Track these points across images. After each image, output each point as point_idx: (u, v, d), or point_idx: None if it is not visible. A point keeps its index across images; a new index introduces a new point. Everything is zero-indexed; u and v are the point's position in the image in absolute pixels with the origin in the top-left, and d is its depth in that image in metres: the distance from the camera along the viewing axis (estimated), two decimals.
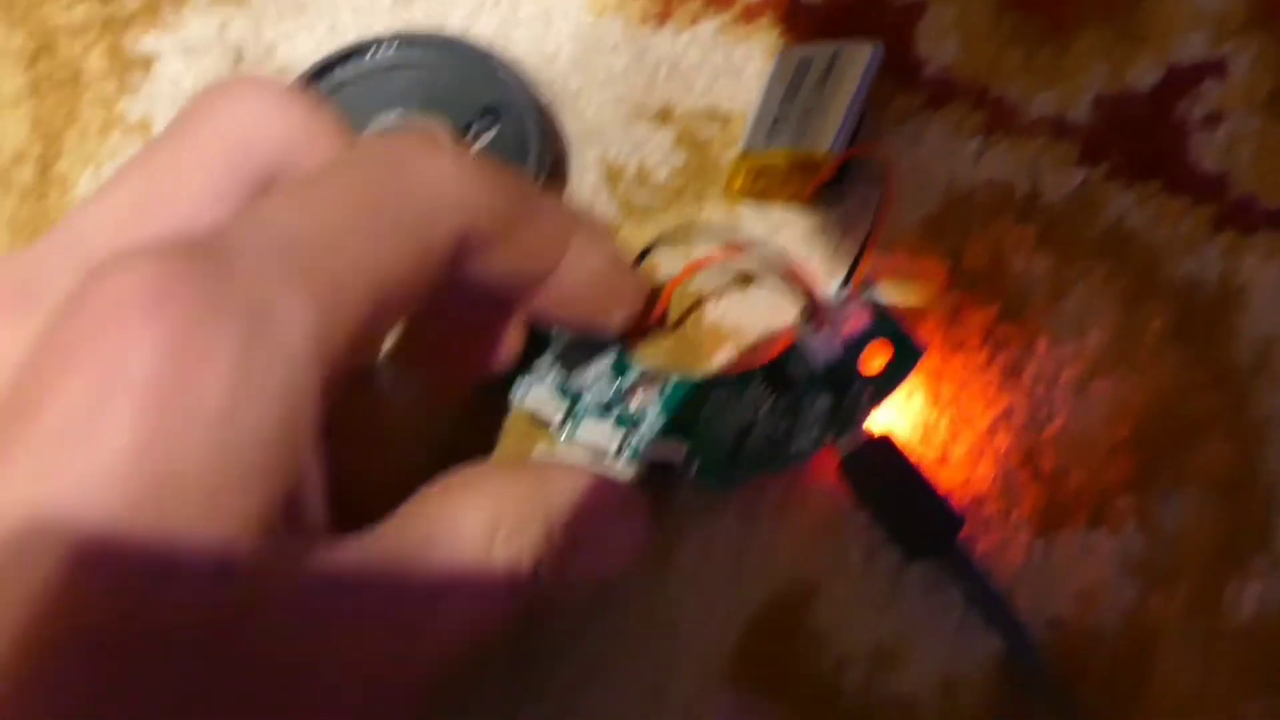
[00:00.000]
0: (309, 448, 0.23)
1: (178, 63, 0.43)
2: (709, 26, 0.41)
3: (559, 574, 0.28)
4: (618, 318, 0.33)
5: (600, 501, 0.29)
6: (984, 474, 0.34)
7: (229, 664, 0.23)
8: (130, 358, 0.21)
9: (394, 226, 0.25)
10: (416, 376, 0.33)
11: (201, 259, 0.23)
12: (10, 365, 0.23)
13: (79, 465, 0.21)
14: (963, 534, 0.33)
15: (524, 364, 0.35)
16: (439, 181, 0.26)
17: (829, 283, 0.35)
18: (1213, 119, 0.38)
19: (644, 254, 0.36)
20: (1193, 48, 0.39)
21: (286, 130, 0.27)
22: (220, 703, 0.23)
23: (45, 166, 0.42)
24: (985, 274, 0.36)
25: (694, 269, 0.36)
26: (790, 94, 0.38)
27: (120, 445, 0.21)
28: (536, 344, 0.35)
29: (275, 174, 0.27)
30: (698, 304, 0.37)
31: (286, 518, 0.23)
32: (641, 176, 0.39)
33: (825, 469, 0.35)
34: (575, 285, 0.31)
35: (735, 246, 0.34)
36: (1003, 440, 0.35)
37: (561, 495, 0.29)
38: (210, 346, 0.22)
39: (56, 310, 0.23)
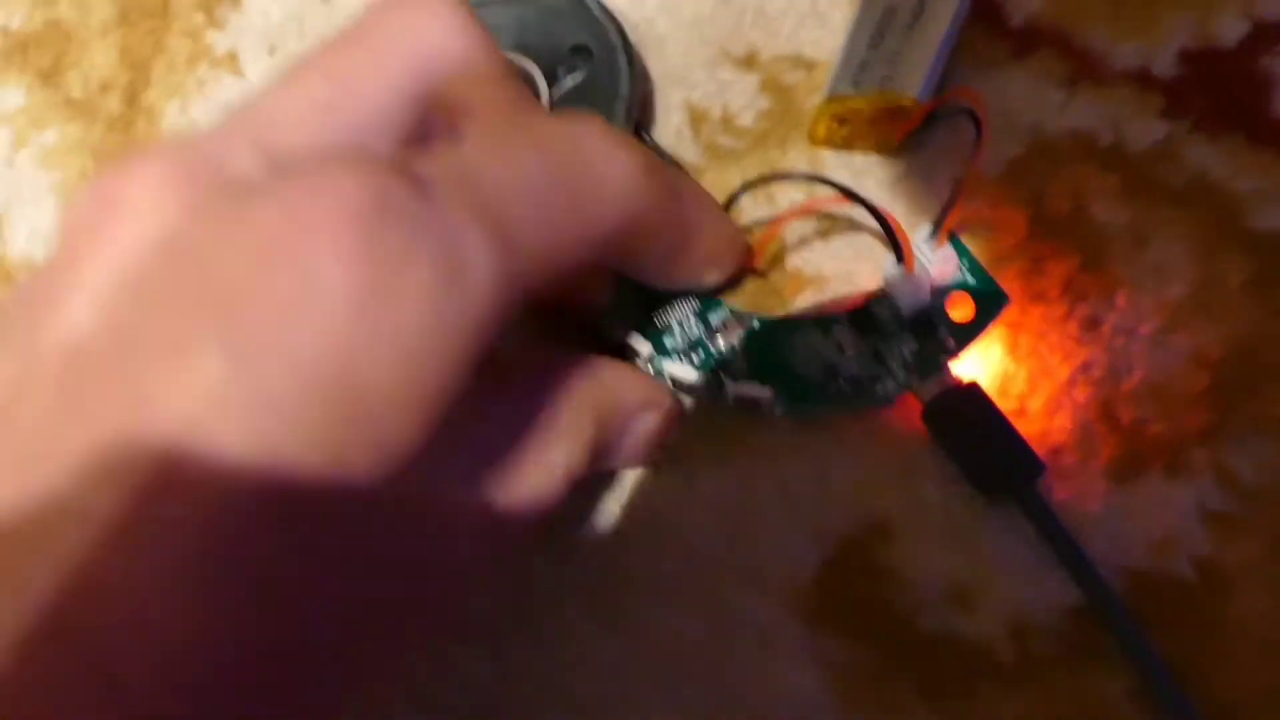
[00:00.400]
0: (464, 388, 0.24)
1: None
2: None
3: (599, 463, 0.30)
4: (713, 280, 0.34)
5: (639, 395, 0.31)
6: (1061, 425, 0.35)
7: (355, 584, 0.24)
8: (336, 270, 0.22)
9: (571, 205, 0.26)
10: None
11: (409, 181, 0.23)
12: (195, 244, 0.23)
13: (267, 371, 0.22)
14: (1041, 482, 0.34)
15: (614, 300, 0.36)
16: (617, 176, 0.27)
17: (915, 229, 0.36)
18: None
19: (733, 198, 0.36)
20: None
21: (461, 53, 0.28)
22: (345, 607, 0.24)
23: (133, 96, 0.43)
24: (1066, 222, 0.37)
25: (791, 217, 0.36)
26: (876, 39, 0.38)
27: (310, 357, 0.22)
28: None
29: (441, 93, 0.28)
30: (780, 249, 0.38)
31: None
32: (726, 120, 0.39)
33: (907, 412, 0.35)
34: (690, 261, 0.32)
35: (840, 197, 0.35)
36: (1081, 392, 0.35)
37: (610, 390, 0.31)
38: (411, 274, 0.23)
39: (257, 200, 0.23)
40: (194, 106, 0.42)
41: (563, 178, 0.26)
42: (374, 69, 0.27)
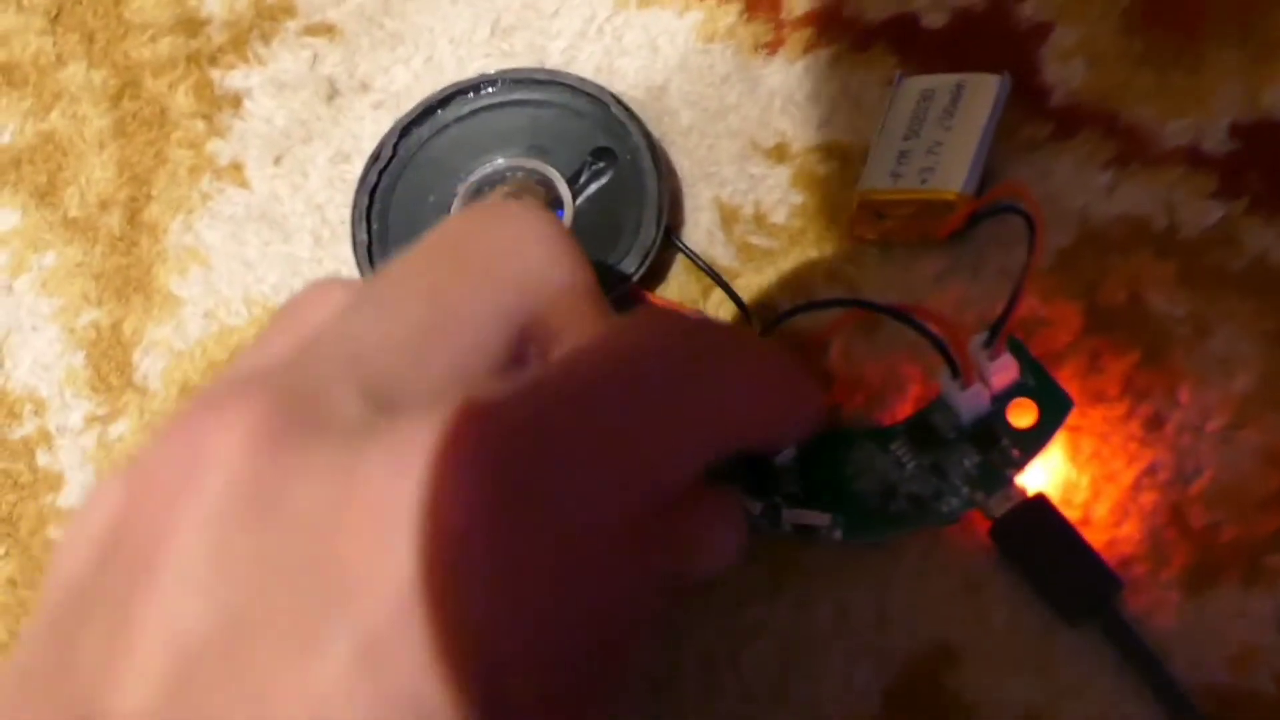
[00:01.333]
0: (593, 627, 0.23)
1: (268, 99, 0.42)
2: (823, 55, 0.40)
3: (671, 576, 0.28)
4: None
5: (706, 505, 0.29)
6: (1129, 533, 0.33)
7: None
8: (464, 547, 0.21)
9: (676, 442, 0.25)
10: None
11: (524, 429, 0.22)
12: (301, 510, 0.21)
13: (398, 665, 0.20)
14: (1118, 599, 0.32)
15: None
16: (722, 401, 0.26)
17: (968, 327, 0.34)
18: None
19: (775, 324, 0.35)
20: None
21: (563, 281, 0.26)
22: None
23: (134, 213, 0.41)
24: (1123, 314, 0.35)
25: (829, 333, 0.35)
26: (913, 129, 0.36)
27: (442, 647, 0.20)
28: None
29: (539, 316, 0.26)
30: (823, 353, 0.36)
31: None
32: (759, 218, 0.38)
33: (969, 526, 0.33)
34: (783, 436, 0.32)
35: (881, 311, 0.33)
36: (1148, 497, 0.33)
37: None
38: (538, 540, 0.21)
39: (364, 457, 0.21)
40: (199, 222, 0.40)
41: (670, 414, 0.25)
42: (477, 295, 0.26)
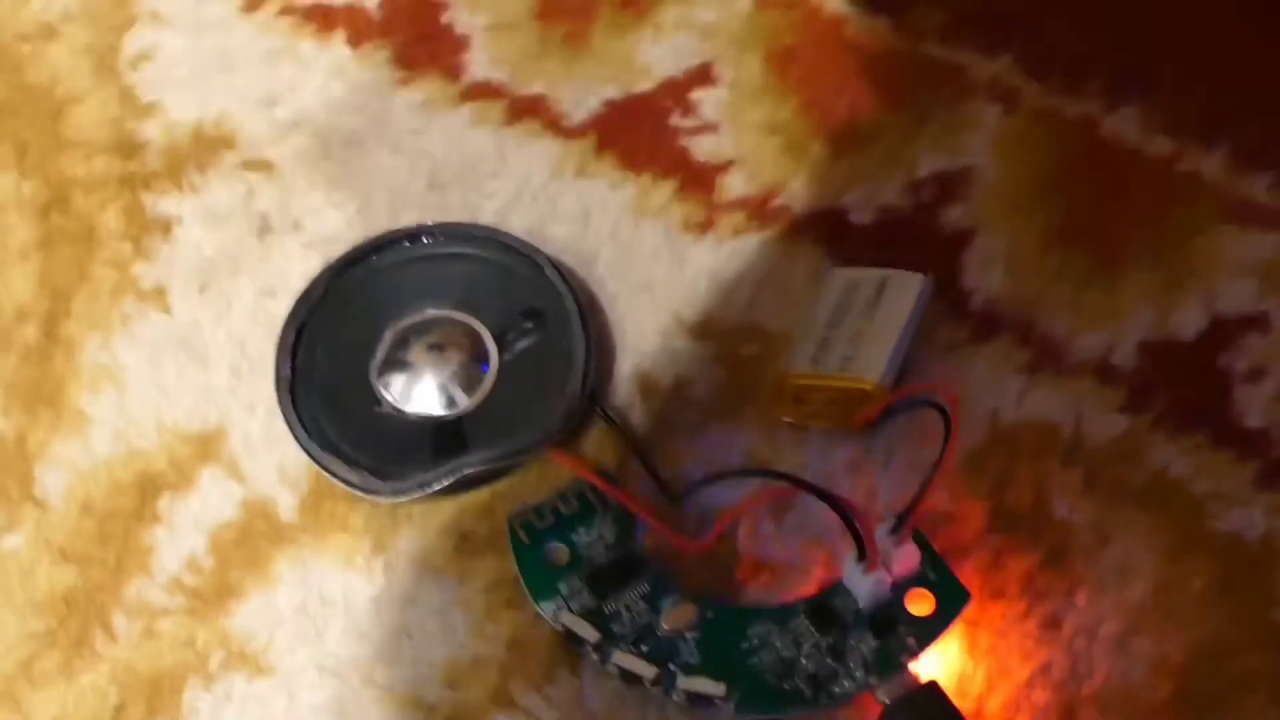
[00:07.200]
0: None
1: (199, 228, 0.42)
2: (752, 240, 0.41)
3: None
4: None
5: None
6: None
7: None
8: None
9: None
10: None
11: None
12: None
13: None
14: None
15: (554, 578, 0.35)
16: None
17: (875, 513, 0.35)
18: (1256, 373, 0.38)
19: (686, 493, 0.35)
20: (1238, 297, 0.39)
21: None
22: None
23: (51, 326, 0.41)
24: (1028, 517, 0.36)
25: (747, 508, 0.35)
26: (837, 317, 0.37)
27: None
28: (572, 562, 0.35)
29: None
30: (730, 530, 0.36)
31: None
32: (678, 391, 0.38)
33: (863, 711, 0.33)
34: None
35: (791, 486, 0.34)
36: (1041, 695, 0.34)
37: None
38: None
39: None
40: (117, 342, 0.40)
41: None
42: None
